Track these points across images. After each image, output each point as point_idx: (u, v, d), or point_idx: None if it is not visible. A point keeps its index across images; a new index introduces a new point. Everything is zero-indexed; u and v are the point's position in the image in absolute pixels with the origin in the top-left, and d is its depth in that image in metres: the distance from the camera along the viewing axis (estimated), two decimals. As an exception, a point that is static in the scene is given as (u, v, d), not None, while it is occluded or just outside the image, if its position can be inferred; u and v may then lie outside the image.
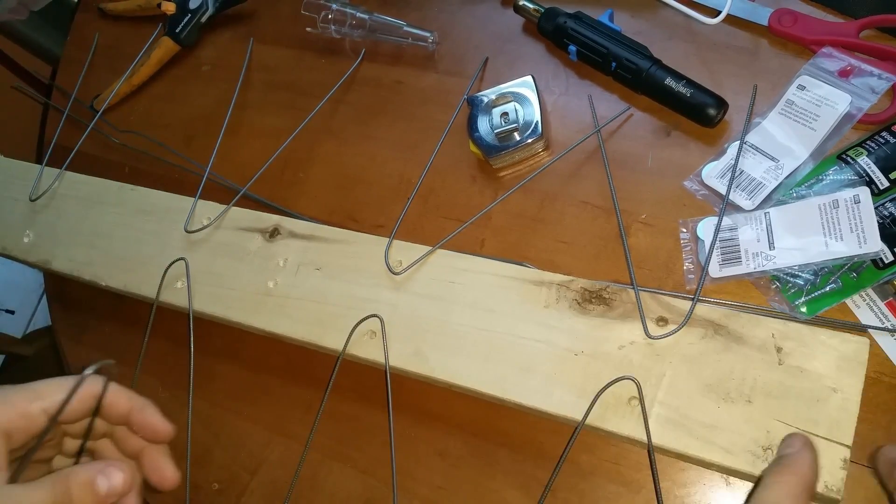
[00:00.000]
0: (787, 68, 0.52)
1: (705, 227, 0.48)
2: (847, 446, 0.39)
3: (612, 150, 0.54)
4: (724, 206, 0.47)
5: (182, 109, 0.73)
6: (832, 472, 0.38)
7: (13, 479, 0.32)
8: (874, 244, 0.43)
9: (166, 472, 0.37)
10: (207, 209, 0.60)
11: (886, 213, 0.44)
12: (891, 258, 0.43)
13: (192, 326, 0.56)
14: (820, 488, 0.38)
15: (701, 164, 0.51)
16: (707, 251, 0.47)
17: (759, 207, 0.48)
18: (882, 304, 0.44)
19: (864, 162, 0.46)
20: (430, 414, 0.51)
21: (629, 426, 0.43)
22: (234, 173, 0.65)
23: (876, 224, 0.43)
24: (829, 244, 0.44)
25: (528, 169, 0.57)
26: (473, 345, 0.48)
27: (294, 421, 0.55)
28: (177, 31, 0.74)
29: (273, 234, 0.57)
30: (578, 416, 0.43)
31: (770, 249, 0.46)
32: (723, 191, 0.49)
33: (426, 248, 0.52)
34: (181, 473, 0.38)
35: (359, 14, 0.66)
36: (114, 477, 0.32)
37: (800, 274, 0.45)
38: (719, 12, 0.54)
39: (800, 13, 0.52)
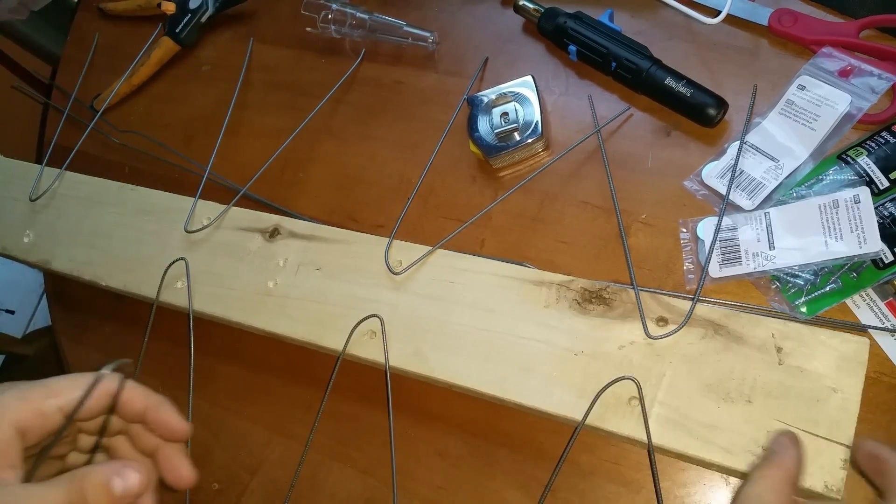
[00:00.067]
0: (787, 68, 0.52)
1: (705, 227, 0.48)
2: (847, 446, 0.39)
3: (612, 150, 0.54)
4: (724, 206, 0.47)
5: (182, 109, 0.73)
6: (832, 472, 0.38)
7: (28, 478, 0.31)
8: (874, 244, 0.43)
9: (182, 470, 0.37)
10: (207, 209, 0.60)
11: (886, 213, 0.44)
12: (891, 258, 0.43)
13: (192, 326, 0.56)
14: (819, 488, 0.38)
15: (701, 164, 0.51)
16: (707, 251, 0.47)
17: (759, 207, 0.48)
18: (882, 304, 0.44)
19: (864, 162, 0.46)
20: (430, 414, 0.51)
21: (629, 426, 0.43)
22: (234, 173, 0.65)
23: (876, 224, 0.43)
24: (829, 244, 0.44)
25: (528, 169, 0.57)
26: (473, 345, 0.48)
27: (294, 421, 0.55)
28: (177, 31, 0.74)
29: (273, 234, 0.57)
30: (578, 416, 0.43)
31: (770, 249, 0.46)
32: (723, 191, 0.49)
33: (426, 248, 0.52)
34: (198, 473, 0.37)
35: (359, 14, 0.66)
36: (129, 478, 0.31)
37: (800, 274, 0.45)
38: (719, 12, 0.54)
39: (800, 13, 0.52)
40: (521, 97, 0.56)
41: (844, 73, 0.49)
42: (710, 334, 0.43)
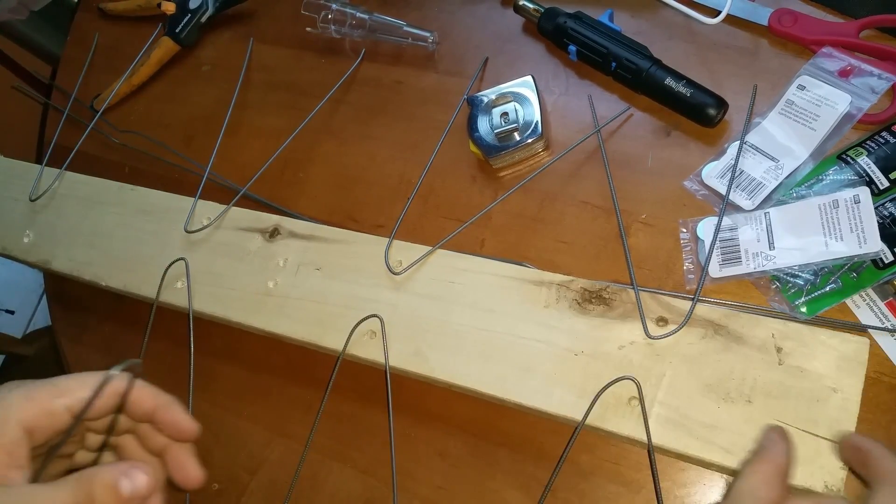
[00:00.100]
0: (787, 68, 0.52)
1: (705, 227, 0.48)
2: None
3: (612, 150, 0.54)
4: (724, 206, 0.47)
5: (182, 109, 0.73)
6: (832, 472, 0.38)
7: (36, 478, 0.31)
8: (874, 244, 0.43)
9: (191, 471, 0.37)
10: (207, 209, 0.60)
11: (886, 213, 0.44)
12: (891, 258, 0.43)
13: (192, 326, 0.56)
14: (819, 488, 0.38)
15: (701, 164, 0.51)
16: (707, 251, 0.47)
17: (759, 207, 0.48)
18: (882, 304, 0.44)
19: (864, 162, 0.46)
20: (430, 414, 0.51)
21: (629, 426, 0.43)
22: (234, 173, 0.65)
23: (876, 224, 0.43)
24: (829, 244, 0.44)
25: (528, 169, 0.57)
26: (473, 345, 0.48)
27: (294, 421, 0.55)
28: (177, 31, 0.74)
29: (273, 234, 0.57)
30: (578, 417, 0.43)
31: (770, 249, 0.46)
32: (723, 191, 0.49)
33: (426, 248, 0.52)
34: (207, 473, 0.37)
35: (359, 14, 0.66)
36: (137, 479, 0.31)
37: (800, 274, 0.45)
38: (719, 12, 0.54)
39: (800, 13, 0.52)
40: (521, 97, 0.56)
41: (844, 73, 0.49)
42: (710, 334, 0.43)
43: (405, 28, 0.64)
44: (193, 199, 0.61)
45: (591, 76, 0.58)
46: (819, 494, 0.38)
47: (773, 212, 0.47)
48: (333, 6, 0.67)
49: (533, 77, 0.56)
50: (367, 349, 0.50)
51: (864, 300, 0.44)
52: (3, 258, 0.68)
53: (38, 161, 0.70)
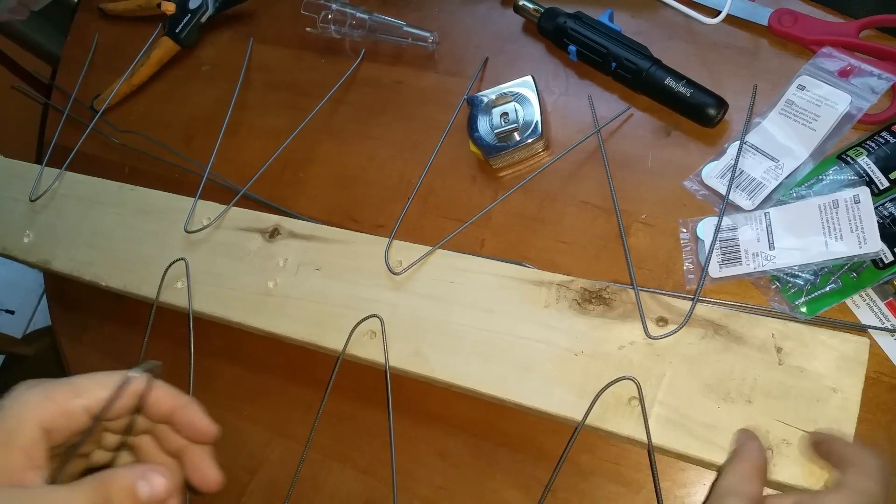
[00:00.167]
0: (787, 68, 0.52)
1: (705, 227, 0.48)
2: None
3: (612, 150, 0.54)
4: (724, 206, 0.47)
5: (182, 109, 0.73)
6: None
7: (53, 478, 0.31)
8: (874, 244, 0.43)
9: (209, 473, 0.36)
10: (207, 209, 0.60)
11: (886, 213, 0.44)
12: (891, 258, 0.43)
13: (192, 327, 0.56)
14: (820, 488, 0.38)
15: (701, 164, 0.51)
16: (707, 251, 0.47)
17: (759, 207, 0.48)
18: (882, 304, 0.44)
19: (864, 162, 0.46)
20: (430, 414, 0.51)
21: (629, 426, 0.43)
22: (234, 173, 0.65)
23: (876, 224, 0.43)
24: (829, 244, 0.44)
25: (528, 169, 0.57)
26: (473, 345, 0.48)
27: (294, 421, 0.55)
28: (177, 31, 0.74)
29: (273, 234, 0.57)
30: (578, 417, 0.43)
31: (770, 249, 0.46)
32: (723, 191, 0.49)
33: (426, 248, 0.52)
34: (225, 475, 0.37)
35: (359, 14, 0.66)
36: (155, 482, 0.31)
37: (800, 274, 0.45)
38: (719, 12, 0.54)
39: (800, 13, 0.52)
40: (521, 97, 0.56)
41: (844, 73, 0.49)
42: (709, 334, 0.43)
43: (405, 28, 0.64)
44: (193, 199, 0.61)
45: (591, 76, 0.58)
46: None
47: (773, 212, 0.47)
48: (333, 6, 0.67)
49: (533, 77, 0.56)
50: (367, 349, 0.50)
51: (864, 300, 0.44)
52: (3, 258, 0.68)
53: (38, 161, 0.70)
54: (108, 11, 0.82)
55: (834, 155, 0.48)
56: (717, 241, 0.47)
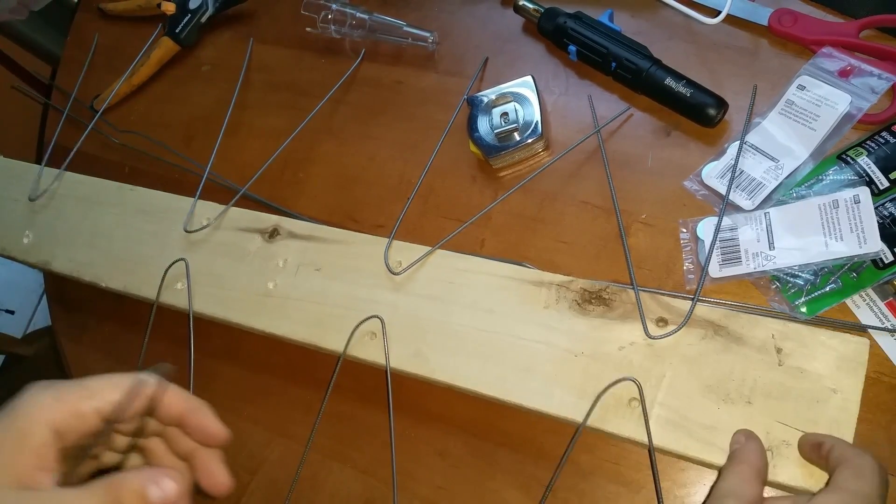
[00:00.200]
0: (787, 68, 0.51)
1: (705, 227, 0.48)
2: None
3: (612, 150, 0.54)
4: (724, 206, 0.47)
5: (182, 109, 0.73)
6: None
7: (64, 479, 0.31)
8: (874, 244, 0.43)
9: (219, 476, 0.36)
10: (207, 209, 0.60)
11: (886, 213, 0.44)
12: (891, 258, 0.43)
13: (192, 328, 0.56)
14: (819, 487, 0.38)
15: (701, 164, 0.51)
16: (707, 251, 0.47)
17: (759, 207, 0.48)
18: (882, 304, 0.44)
19: (864, 162, 0.46)
20: (430, 414, 0.51)
21: (629, 427, 0.43)
22: (234, 173, 0.65)
23: (876, 224, 0.43)
24: (829, 244, 0.44)
25: (528, 169, 0.57)
26: (474, 346, 0.48)
27: (294, 421, 0.55)
28: (177, 31, 0.74)
29: (272, 234, 0.57)
30: (579, 418, 0.43)
31: (770, 249, 0.46)
32: (723, 191, 0.49)
33: (426, 249, 0.52)
34: (235, 480, 0.37)
35: (359, 14, 0.66)
36: (166, 486, 0.31)
37: (800, 274, 0.45)
38: (719, 12, 0.54)
39: (800, 13, 0.52)
40: (521, 97, 0.56)
41: (844, 73, 0.49)
42: (709, 335, 0.43)
43: (405, 28, 0.64)
44: (193, 199, 0.60)
45: (591, 76, 0.58)
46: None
47: (773, 212, 0.47)
48: (333, 6, 0.67)
49: (533, 77, 0.56)
50: (367, 350, 0.50)
51: (864, 300, 0.44)
52: (3, 258, 0.68)
53: (38, 161, 0.70)
54: (108, 11, 0.82)
55: (834, 155, 0.48)
56: (717, 241, 0.47)
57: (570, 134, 0.56)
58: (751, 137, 0.50)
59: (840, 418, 0.39)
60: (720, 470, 0.39)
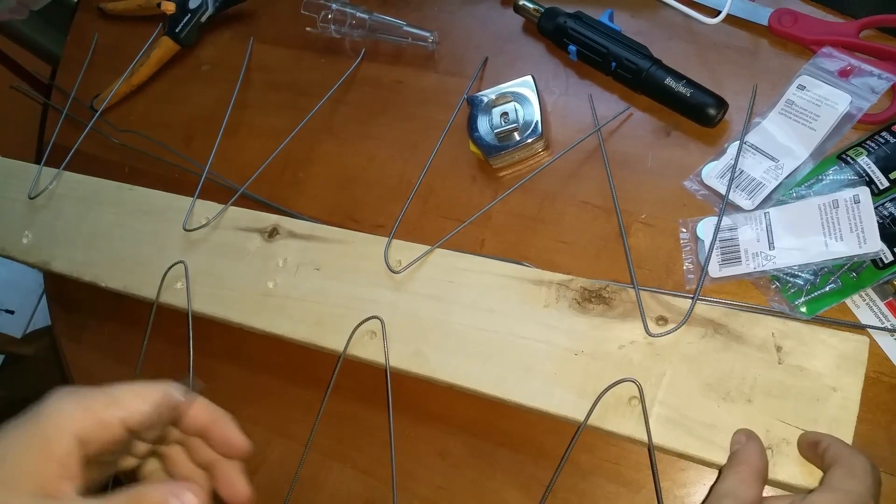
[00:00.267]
0: (787, 68, 0.52)
1: (705, 227, 0.48)
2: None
3: (611, 150, 0.54)
4: (724, 206, 0.47)
5: (182, 109, 0.73)
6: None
7: (85, 488, 0.31)
8: (874, 244, 0.43)
9: (239, 487, 0.36)
10: (207, 209, 0.60)
11: (886, 213, 0.44)
12: (890, 258, 0.43)
13: (191, 328, 0.56)
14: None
15: (701, 164, 0.51)
16: (707, 251, 0.47)
17: (758, 207, 0.48)
18: (882, 304, 0.44)
19: (864, 162, 0.46)
20: (430, 414, 0.51)
21: (629, 426, 0.43)
22: (235, 173, 0.65)
23: (876, 224, 0.43)
24: (828, 244, 0.44)
25: (528, 169, 0.57)
26: (474, 345, 0.48)
27: (294, 421, 0.55)
28: (177, 30, 0.74)
29: (272, 234, 0.57)
30: (579, 417, 0.43)
31: (770, 249, 0.46)
32: (723, 191, 0.49)
33: (426, 248, 0.52)
34: (266, 496, 0.37)
35: (359, 14, 0.66)
36: (187, 500, 0.31)
37: (800, 274, 0.45)
38: (719, 12, 0.54)
39: (800, 13, 0.52)
40: (520, 97, 0.56)
41: (844, 73, 0.49)
42: (709, 333, 0.43)
43: (405, 28, 0.64)
44: (192, 198, 0.60)
45: (591, 76, 0.58)
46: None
47: (773, 212, 0.47)
48: (333, 6, 0.67)
49: (533, 77, 0.56)
50: (367, 349, 0.50)
51: (864, 300, 0.44)
52: (3, 258, 0.68)
53: (38, 161, 0.70)
54: (108, 11, 0.82)
55: (834, 155, 0.48)
56: (717, 241, 0.47)
57: (570, 134, 0.56)
58: (751, 137, 0.50)
59: (840, 417, 0.39)
60: (720, 470, 0.39)
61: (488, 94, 0.57)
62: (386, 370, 0.49)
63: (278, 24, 0.73)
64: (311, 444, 0.53)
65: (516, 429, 0.49)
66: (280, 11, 0.74)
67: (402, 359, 0.49)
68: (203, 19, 0.74)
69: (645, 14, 0.58)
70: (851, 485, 0.34)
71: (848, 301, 0.45)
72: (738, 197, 0.48)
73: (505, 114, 0.56)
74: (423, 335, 0.49)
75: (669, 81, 0.52)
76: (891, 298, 0.44)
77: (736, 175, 0.48)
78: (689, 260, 0.49)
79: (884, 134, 0.46)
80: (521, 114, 0.56)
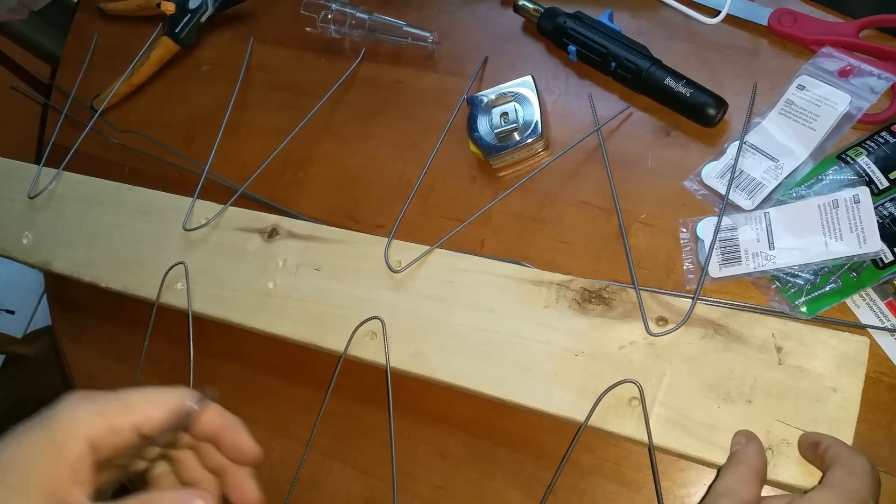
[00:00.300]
0: (786, 68, 0.52)
1: (705, 227, 0.48)
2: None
3: (611, 150, 0.54)
4: (724, 206, 0.47)
5: (182, 109, 0.73)
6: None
7: (98, 496, 0.31)
8: (874, 244, 0.43)
9: (250, 493, 0.36)
10: (207, 209, 0.60)
11: (886, 212, 0.44)
12: (890, 258, 0.43)
13: (191, 329, 0.56)
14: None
15: (701, 164, 0.51)
16: (707, 251, 0.47)
17: (758, 207, 0.48)
18: (882, 304, 0.44)
19: (864, 162, 0.46)
20: (430, 414, 0.51)
21: (630, 426, 0.43)
22: (235, 173, 0.65)
23: (876, 224, 0.43)
24: (828, 244, 0.44)
25: (528, 169, 0.57)
26: (474, 345, 0.48)
27: (294, 421, 0.55)
28: (176, 30, 0.74)
29: (271, 234, 0.57)
30: (579, 417, 0.43)
31: (770, 249, 0.46)
32: (723, 191, 0.49)
33: (426, 248, 0.52)
34: (265, 496, 0.37)
35: (359, 14, 0.66)
36: None
37: (800, 274, 0.45)
38: (719, 12, 0.54)
39: (799, 13, 0.52)
40: (520, 97, 0.56)
41: (844, 73, 0.49)
42: (709, 334, 0.43)
43: (405, 28, 0.64)
44: (192, 198, 0.60)
45: (591, 76, 0.58)
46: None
47: (773, 212, 0.47)
48: (333, 6, 0.67)
49: (533, 77, 0.56)
50: (367, 350, 0.50)
51: (864, 300, 0.44)
52: (3, 258, 0.68)
53: (38, 161, 0.70)
54: (108, 11, 0.82)
55: (834, 155, 0.48)
56: (717, 241, 0.47)
57: (570, 134, 0.56)
58: (751, 137, 0.50)
59: (840, 417, 0.39)
60: (719, 469, 0.39)
61: (488, 94, 0.57)
62: (386, 370, 0.49)
63: (278, 24, 0.73)
64: (311, 444, 0.53)
65: (516, 429, 0.49)
66: (280, 11, 0.74)
67: (403, 359, 0.49)
68: (203, 19, 0.74)
69: (645, 14, 0.58)
70: (851, 483, 0.34)
71: (848, 301, 0.45)
72: (738, 197, 0.48)
73: (505, 114, 0.56)
74: (424, 335, 0.49)
75: (669, 81, 0.52)
76: (891, 298, 0.44)
77: (736, 175, 0.48)
78: (689, 260, 0.49)
79: (883, 134, 0.46)
80: (520, 114, 0.56)
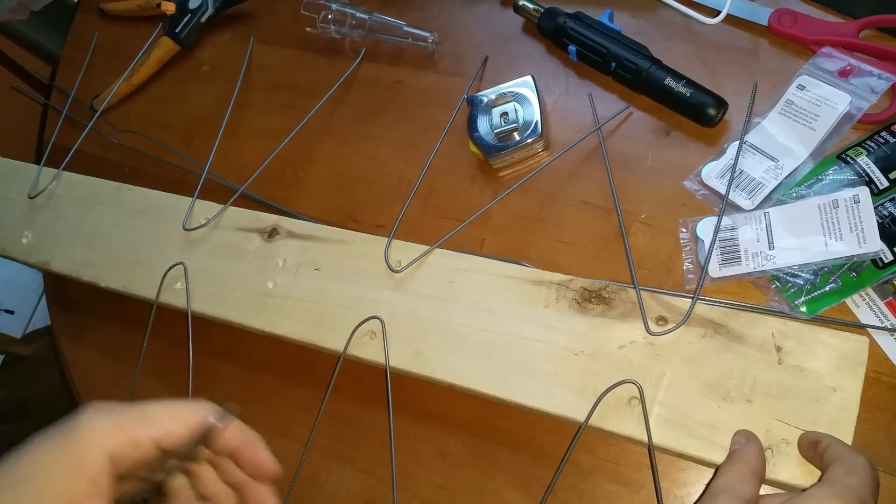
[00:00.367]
0: (786, 68, 0.52)
1: (705, 227, 0.48)
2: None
3: (611, 150, 0.54)
4: (724, 205, 0.47)
5: (182, 109, 0.73)
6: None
7: None
8: (874, 244, 0.43)
9: None
10: (206, 209, 0.60)
11: (886, 212, 0.44)
12: (890, 258, 0.43)
13: (190, 329, 0.56)
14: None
15: (701, 164, 0.51)
16: (707, 251, 0.47)
17: (758, 207, 0.48)
18: (882, 304, 0.44)
19: (864, 162, 0.46)
20: (430, 414, 0.51)
21: (629, 426, 0.43)
22: (235, 173, 0.65)
23: (875, 224, 0.43)
24: (828, 244, 0.44)
25: (528, 169, 0.57)
26: (474, 345, 0.48)
27: (294, 421, 0.55)
28: (176, 31, 0.74)
29: (271, 234, 0.57)
30: (579, 417, 0.43)
31: (770, 249, 0.46)
32: (723, 191, 0.49)
33: (426, 248, 0.52)
34: None
35: (359, 14, 0.66)
36: None
37: (799, 273, 0.45)
38: (719, 12, 0.54)
39: (800, 13, 0.52)
40: (520, 97, 0.56)
41: (844, 73, 0.49)
42: (709, 334, 0.43)
43: (405, 28, 0.64)
44: (191, 198, 0.60)
45: (591, 76, 0.58)
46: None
47: (773, 212, 0.47)
48: (333, 6, 0.67)
49: (533, 77, 0.56)
50: (367, 350, 0.50)
51: (864, 300, 0.44)
52: (2, 258, 0.68)
53: (38, 162, 0.70)
54: (108, 11, 0.82)
55: (834, 155, 0.48)
56: (717, 241, 0.47)
57: (570, 134, 0.56)
58: (750, 137, 0.50)
59: (840, 417, 0.39)
60: (717, 468, 0.39)
61: (488, 94, 0.57)
62: (386, 370, 0.49)
63: (278, 25, 0.73)
64: (311, 443, 0.53)
65: (516, 429, 0.49)
66: (280, 11, 0.74)
67: (402, 359, 0.49)
68: (203, 19, 0.74)
69: (645, 14, 0.58)
70: (851, 481, 0.34)
71: (848, 301, 0.45)
72: (737, 197, 0.48)
73: (505, 114, 0.56)
74: (423, 335, 0.49)
75: (669, 81, 0.52)
76: (891, 298, 0.44)
77: (736, 175, 0.48)
78: (689, 260, 0.49)
79: (883, 134, 0.46)
80: (520, 114, 0.56)
